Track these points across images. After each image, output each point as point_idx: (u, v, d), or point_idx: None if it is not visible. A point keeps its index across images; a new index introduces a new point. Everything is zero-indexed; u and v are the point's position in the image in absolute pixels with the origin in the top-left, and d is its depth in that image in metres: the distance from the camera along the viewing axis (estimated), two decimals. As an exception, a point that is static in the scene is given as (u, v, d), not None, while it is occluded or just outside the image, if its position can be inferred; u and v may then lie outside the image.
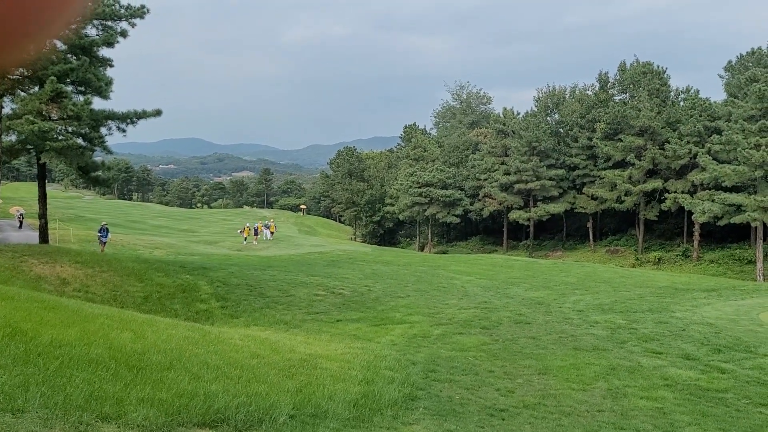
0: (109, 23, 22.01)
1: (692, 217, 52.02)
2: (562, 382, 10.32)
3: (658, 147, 57.03)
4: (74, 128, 21.74)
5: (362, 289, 21.40)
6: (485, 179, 70.25)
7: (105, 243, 29.03)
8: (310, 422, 6.92)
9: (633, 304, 19.45)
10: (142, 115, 22.16)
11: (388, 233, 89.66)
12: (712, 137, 50.37)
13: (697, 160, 52.17)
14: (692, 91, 61.75)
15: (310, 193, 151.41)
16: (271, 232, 47.03)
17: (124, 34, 22.07)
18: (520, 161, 65.19)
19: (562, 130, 70.93)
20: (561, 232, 69.84)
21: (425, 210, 72.48)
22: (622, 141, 58.28)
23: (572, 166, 66.33)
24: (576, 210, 64.94)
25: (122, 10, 21.85)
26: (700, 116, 55.48)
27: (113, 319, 10.12)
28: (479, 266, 32.93)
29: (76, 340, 7.63)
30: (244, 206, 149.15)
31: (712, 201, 48.55)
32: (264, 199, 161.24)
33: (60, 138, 21.07)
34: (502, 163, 69.07)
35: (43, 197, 23.62)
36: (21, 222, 40.39)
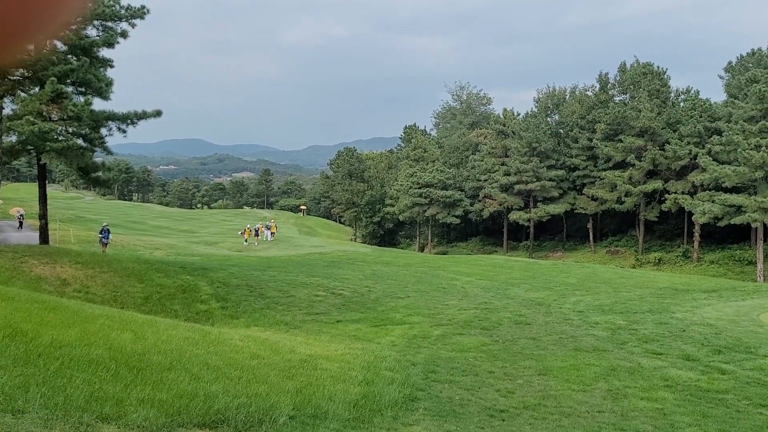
0: (110, 24, 22.03)
1: (692, 218, 52.01)
2: (563, 383, 10.32)
3: (658, 148, 57.05)
4: (74, 129, 21.75)
5: (362, 289, 21.39)
6: (485, 180, 70.24)
7: (107, 244, 28.94)
8: (310, 423, 6.92)
9: (633, 305, 19.44)
10: (143, 115, 22.17)
11: (388, 234, 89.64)
12: (712, 138, 50.38)
13: (697, 160, 52.17)
14: (692, 91, 61.77)
15: (310, 194, 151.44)
16: (272, 233, 47.04)
17: (124, 34, 22.08)
18: (520, 162, 65.19)
19: (562, 131, 70.93)
20: (561, 232, 69.83)
21: (425, 211, 72.48)
22: (622, 142, 58.30)
23: (572, 166, 66.32)
24: (576, 211, 64.94)
25: (122, 11, 21.87)
26: (701, 117, 55.49)
27: (113, 320, 10.12)
28: (479, 267, 32.91)
29: (76, 341, 7.63)
30: (244, 207, 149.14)
31: (713, 202, 48.55)
32: (264, 200, 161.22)
33: (60, 139, 21.08)
34: (502, 164, 69.07)
35: (43, 198, 23.63)
36: (21, 222, 40.40)
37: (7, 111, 21.32)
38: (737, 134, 46.01)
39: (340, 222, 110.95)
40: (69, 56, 21.38)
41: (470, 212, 72.81)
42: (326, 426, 6.94)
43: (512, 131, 69.36)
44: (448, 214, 71.65)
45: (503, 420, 8.23)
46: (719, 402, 9.44)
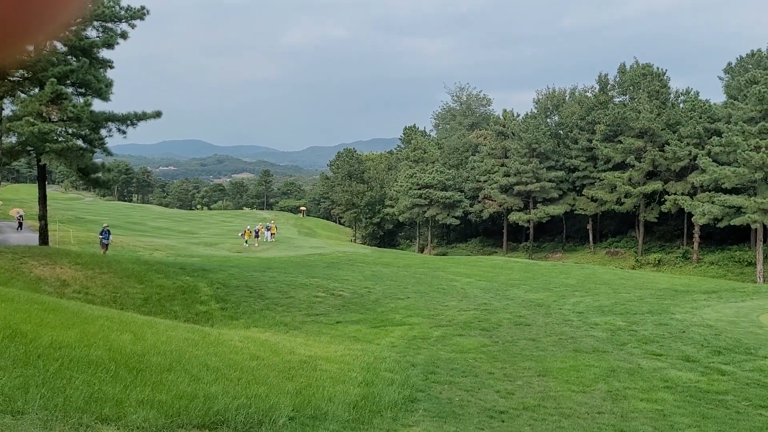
0: (109, 25, 22.03)
1: (692, 219, 52.03)
2: (562, 384, 10.32)
3: (658, 149, 57.08)
4: (74, 130, 21.75)
5: (362, 290, 21.38)
6: (485, 181, 70.26)
7: (107, 245, 28.88)
8: (309, 424, 6.92)
9: (633, 306, 19.43)
10: (142, 116, 22.17)
11: (387, 235, 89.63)
12: (712, 139, 50.40)
13: (697, 161, 52.18)
14: (692, 92, 61.81)
15: (309, 195, 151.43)
16: (272, 234, 47.04)
17: (124, 35, 22.08)
18: (519, 163, 65.21)
19: (561, 132, 70.96)
20: (561, 233, 69.84)
21: (425, 212, 72.50)
22: (621, 143, 58.33)
23: (572, 167, 66.34)
24: (576, 212, 64.96)
25: (122, 12, 21.87)
26: (700, 118, 55.52)
27: (113, 321, 10.11)
28: (479, 268, 32.90)
29: (75, 342, 7.63)
30: (244, 208, 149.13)
31: (712, 203, 48.58)
32: (264, 201, 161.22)
33: (60, 140, 21.08)
34: (502, 165, 69.08)
35: (43, 199, 23.63)
36: (20, 223, 40.40)
37: (6, 112, 21.32)
38: (737, 135, 46.04)
39: (340, 223, 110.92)
40: (69, 57, 21.39)
41: (470, 213, 72.82)
42: (326, 427, 6.93)
43: (512, 132, 69.38)
44: (448, 215, 71.67)
45: (503, 421, 8.23)
46: (719, 403, 9.44)
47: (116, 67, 23.42)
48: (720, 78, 65.23)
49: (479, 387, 9.96)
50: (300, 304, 18.57)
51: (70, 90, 20.97)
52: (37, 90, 20.69)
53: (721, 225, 48.87)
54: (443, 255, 64.86)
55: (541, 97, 79.68)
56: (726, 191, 48.55)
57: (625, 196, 58.31)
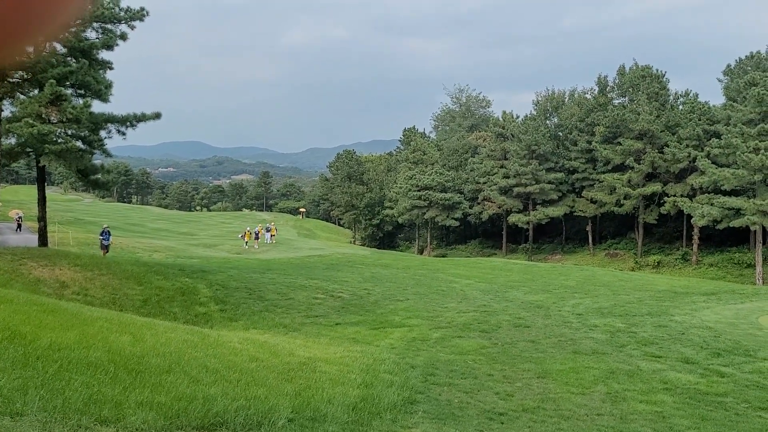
0: (109, 26, 22.03)
1: (691, 221, 52.06)
2: (562, 386, 10.32)
3: (657, 150, 57.11)
4: (73, 131, 21.75)
5: (361, 292, 21.38)
6: (484, 182, 70.29)
7: (108, 246, 28.85)
8: (308, 426, 6.91)
9: (632, 308, 19.44)
10: (142, 118, 22.16)
11: (387, 236, 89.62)
12: (711, 141, 50.46)
13: (696, 163, 52.24)
14: (691, 94, 61.91)
15: (309, 196, 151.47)
16: (272, 235, 47.06)
17: (123, 36, 22.09)
18: (519, 164, 65.24)
19: (561, 134, 71.00)
20: (560, 235, 69.86)
21: (424, 213, 72.51)
22: (621, 144, 58.37)
23: (571, 169, 66.37)
24: (575, 213, 64.98)
25: (122, 13, 21.88)
26: (699, 120, 55.58)
27: (112, 323, 10.11)
28: (478, 270, 32.90)
29: (74, 344, 7.63)
30: (243, 209, 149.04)
31: (712, 205, 48.61)
32: (263, 202, 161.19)
33: (59, 141, 21.08)
34: (502, 167, 69.11)
35: (42, 200, 23.62)
36: (20, 225, 40.38)
37: (6, 113, 21.32)
38: (736, 137, 46.09)
39: (339, 224, 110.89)
40: (68, 58, 21.39)
41: (469, 215, 72.84)
42: (325, 429, 6.93)
43: (511, 134, 69.42)
44: (447, 216, 71.68)
45: (502, 423, 8.23)
46: (718, 405, 9.44)
47: (116, 68, 23.44)
48: (719, 80, 65.34)
49: (478, 389, 9.95)
50: (299, 305, 18.56)
51: (69, 91, 20.98)
52: (36, 91, 20.69)
53: (720, 227, 48.89)
54: (443, 257, 64.83)
55: (540, 99, 79.72)
56: (725, 193, 48.59)
57: (625, 198, 58.34)
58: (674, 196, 55.05)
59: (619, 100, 66.90)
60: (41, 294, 15.09)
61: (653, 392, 10.03)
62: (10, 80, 20.16)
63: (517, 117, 72.89)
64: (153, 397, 6.32)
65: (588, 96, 72.90)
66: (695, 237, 53.89)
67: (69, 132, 21.70)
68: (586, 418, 8.61)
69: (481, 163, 72.14)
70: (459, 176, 75.09)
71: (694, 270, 52.47)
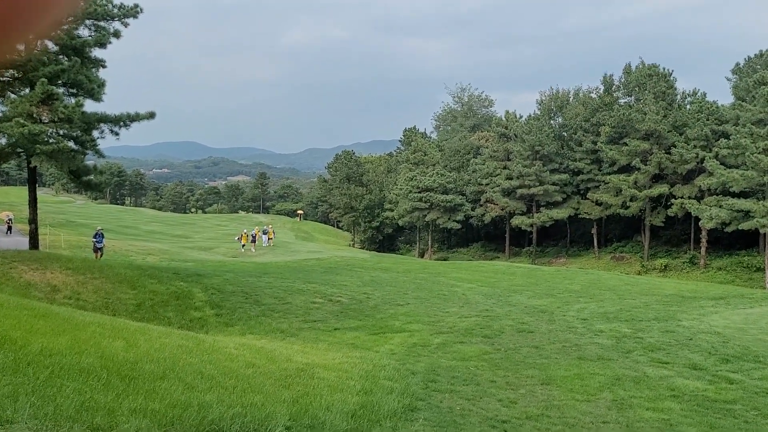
0: (102, 23, 22.05)
1: (699, 224, 52.06)
2: (566, 393, 10.31)
3: (664, 151, 57.14)
4: (65, 131, 21.76)
5: (361, 296, 21.38)
6: (487, 184, 70.33)
7: (101, 249, 28.85)
8: (306, 434, 6.91)
9: (639, 313, 19.43)
10: (136, 117, 22.18)
11: (387, 239, 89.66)
12: (719, 141, 50.49)
13: (704, 164, 52.26)
14: (699, 94, 61.96)
15: (307, 198, 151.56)
16: (269, 238, 47.09)
17: (117, 34, 22.10)
18: (522, 165, 65.28)
19: (565, 134, 71.09)
20: (565, 238, 69.90)
21: (425, 215, 72.53)
22: (627, 145, 58.41)
23: (576, 170, 66.42)
24: (580, 216, 65.01)
25: (115, 10, 21.89)
26: (707, 120, 55.62)
27: (105, 328, 10.11)
28: (481, 273, 32.90)
29: (66, 349, 7.63)
30: (240, 211, 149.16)
31: (720, 207, 48.63)
32: (260, 204, 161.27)
33: (51, 141, 21.09)
34: (504, 168, 69.16)
35: (33, 202, 23.62)
36: (10, 227, 40.37)
37: (-4, 113, 21.32)
38: (745, 137, 46.11)
39: (338, 227, 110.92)
40: (60, 56, 21.41)
41: (471, 217, 72.88)
42: (323, 437, 6.93)
43: (514, 134, 69.49)
44: (449, 218, 71.71)
45: (505, 431, 8.22)
46: (727, 412, 9.43)
47: (109, 66, 23.44)
48: (728, 79, 65.45)
49: (481, 395, 9.95)
50: (297, 310, 18.56)
51: (61, 90, 20.98)
52: (27, 90, 20.71)
53: (728, 229, 48.88)
54: (444, 260, 64.83)
55: (544, 98, 79.84)
56: (734, 195, 48.58)
57: (631, 200, 58.36)
58: (682, 197, 55.07)
59: (625, 100, 66.99)
60: (32, 298, 15.08)
61: (660, 399, 10.03)
62: (1, 79, 20.19)
63: (521, 117, 72.99)
64: (147, 404, 6.32)
65: (593, 95, 72.98)
66: (703, 240, 53.88)
67: (61, 132, 21.71)
68: (592, 426, 8.61)
69: (483, 164, 72.17)
70: (461, 177, 75.14)
71: (702, 274, 52.46)
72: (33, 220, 23.83)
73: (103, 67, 23.14)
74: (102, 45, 22.00)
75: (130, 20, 22.18)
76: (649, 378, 11.39)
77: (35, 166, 22.90)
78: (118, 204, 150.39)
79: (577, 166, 65.80)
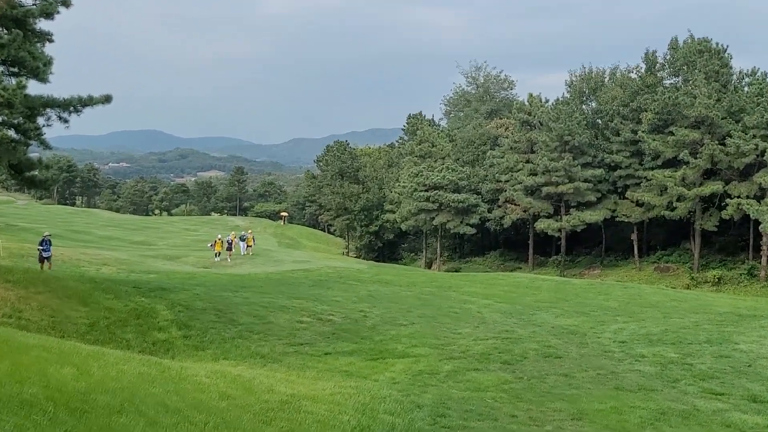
0: (49, -11, 22.05)
1: (760, 228, 52.04)
2: (601, 430, 10.31)
3: (717, 142, 57.13)
4: (4, 118, 21.75)
5: (356, 314, 21.40)
6: (506, 181, 70.35)
7: (48, 259, 28.85)
8: (291, 478, 6.91)
9: (687, 334, 19.44)
10: (89, 101, 22.16)
11: (387, 246, 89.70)
12: (783, 130, 50.49)
13: (765, 158, 52.25)
14: (759, 74, 61.94)
15: (292, 198, 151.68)
16: (248, 246, 47.08)
17: (66, 3, 22.08)
18: (549, 159, 65.31)
19: (600, 121, 71.13)
20: (599, 245, 69.89)
21: (433, 218, 72.55)
22: (673, 134, 58.41)
23: (613, 164, 66.43)
24: (617, 219, 64.99)
25: (64, -27, 21.89)
26: (769, 104, 55.61)
27: (51, 352, 10.10)
28: (499, 287, 32.93)
29: (5, 377, 7.62)
30: (212, 213, 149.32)
31: (784, 208, 48.62)
32: (236, 205, 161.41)
33: (-13, 130, 21.07)
34: (528, 162, 69.18)
35: (-34, 202, 23.60)
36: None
37: None
38: (814, 126, 46.11)
39: (330, 232, 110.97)
40: (-1, 29, 21.41)
41: (488, 220, 72.88)
42: (311, 482, 6.93)
43: (539, 121, 69.53)
44: (462, 222, 71.73)
45: (528, 475, 8.22)
46: (793, 453, 9.43)
47: (57, 41, 23.43)
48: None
49: (499, 433, 9.95)
50: (280, 331, 18.57)
51: (0, 69, 20.98)
52: (-41, 69, 20.70)
53: (794, 235, 48.89)
54: (456, 271, 64.83)
55: (574, 79, 79.90)
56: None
57: (678, 200, 58.34)
58: (738, 197, 55.03)
59: (671, 81, 67.01)
60: (-35, 317, 15.06)
61: (713, 437, 10.02)
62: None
63: (547, 101, 73.00)
64: (101, 443, 6.31)
65: (633, 75, 73.01)
66: (764, 248, 53.84)
67: (-1, 119, 21.71)
68: (631, 470, 8.61)
69: (502, 157, 72.20)
70: (475, 173, 75.18)
71: (762, 288, 52.44)
72: (-34, 224, 23.81)
73: (50, 41, 23.12)
74: (49, 15, 21.98)
75: (82, -14, 22.18)
76: (700, 412, 11.38)
77: (-31, 160, 22.89)
78: (67, 204, 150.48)
79: (614, 160, 65.81)
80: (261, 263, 41.63)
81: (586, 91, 77.52)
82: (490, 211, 72.49)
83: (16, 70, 21.71)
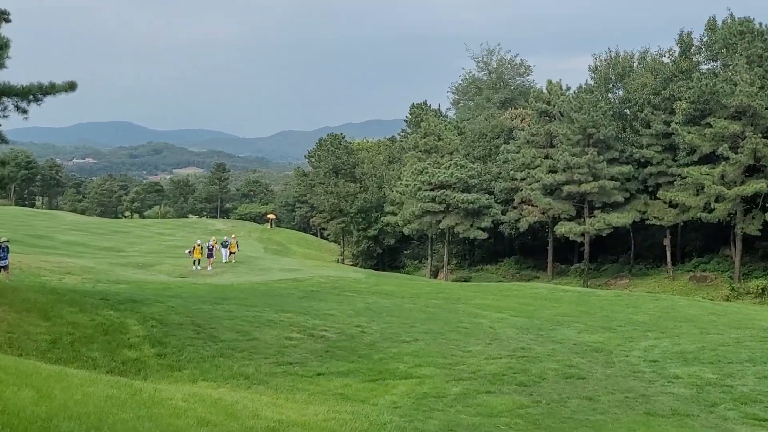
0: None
1: (809, 232, 52.05)
2: (630, 461, 10.30)
3: (761, 135, 57.12)
4: (-45, 108, 21.77)
5: (352, 330, 21.39)
6: (523, 179, 70.37)
7: (6, 267, 28.85)
8: None
9: (727, 352, 19.44)
10: (50, 89, 22.18)
11: (388, 253, 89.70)
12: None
13: (814, 152, 52.25)
14: (808, 57, 61.93)
15: (280, 198, 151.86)
16: (231, 252, 47.09)
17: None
18: (570, 154, 65.32)
19: (628, 112, 71.12)
20: (627, 252, 69.88)
21: (440, 221, 72.53)
22: (711, 126, 58.40)
23: (643, 160, 66.42)
24: (648, 222, 64.96)
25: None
26: (819, 93, 55.65)
27: (8, 372, 10.10)
28: (514, 299, 32.92)
29: (-44, 401, 7.61)
30: (190, 215, 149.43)
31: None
32: (217, 206, 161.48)
33: (-65, 121, 21.10)
34: (546, 157, 69.22)
35: None
36: None
37: None
38: None
39: (323, 237, 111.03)
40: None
41: (502, 223, 72.90)
42: None
43: (560, 112, 69.58)
44: (472, 225, 71.70)
45: None
46: None
47: (15, 21, 23.45)
48: None
49: (514, 464, 9.95)
50: (267, 348, 18.56)
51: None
52: None
53: None
54: (465, 281, 64.81)
55: (600, 64, 80.00)
56: None
57: (716, 200, 58.30)
58: (785, 197, 55.05)
59: (709, 66, 67.03)
60: None
61: (756, 469, 10.03)
62: None
63: (568, 88, 73.11)
64: (64, 475, 6.31)
65: (665, 60, 73.06)
66: (814, 254, 53.90)
67: (-51, 109, 21.72)
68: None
69: (518, 152, 72.23)
70: (488, 170, 75.20)
71: (812, 300, 52.45)
72: None
73: (7, 21, 23.14)
74: (4, -9, 22.01)
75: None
76: (742, 440, 11.37)
77: None
78: (26, 206, 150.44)
79: (644, 155, 65.79)
80: (245, 272, 41.61)
81: (613, 78, 77.54)
82: (504, 213, 72.48)
83: (-34, 53, 21.73)
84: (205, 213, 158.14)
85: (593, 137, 65.74)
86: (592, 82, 76.11)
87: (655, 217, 64.12)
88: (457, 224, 71.98)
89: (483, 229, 71.46)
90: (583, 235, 66.41)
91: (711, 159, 59.99)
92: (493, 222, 71.92)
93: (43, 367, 12.16)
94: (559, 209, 66.97)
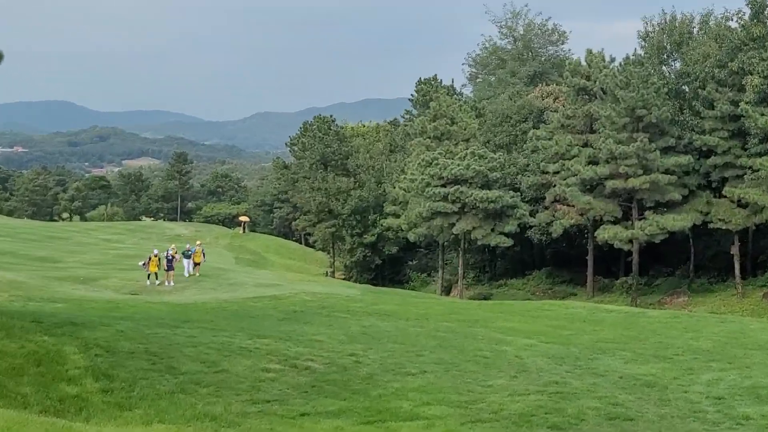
0: None
1: None
2: None
3: None
4: None
5: (345, 360, 21.38)
6: (556, 172, 70.32)
7: None
8: None
9: (810, 388, 19.44)
10: (-30, 61, 22.21)
11: (389, 264, 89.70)
12: None
13: None
14: None
15: (255, 196, 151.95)
16: (195, 263, 47.09)
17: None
18: (615, 141, 65.27)
19: (687, 89, 71.08)
20: (686, 263, 69.89)
21: (453, 225, 72.46)
22: (790, 107, 58.44)
23: (705, 149, 66.36)
24: (711, 225, 64.88)
25: None
26: None
27: None
28: (546, 321, 32.91)
29: None
30: (144, 218, 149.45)
31: None
32: (177, 206, 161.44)
33: None
34: (585, 145, 69.20)
35: None
36: None
37: None
38: None
39: (308, 244, 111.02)
40: None
41: (530, 227, 72.86)
42: None
43: (602, 89, 69.58)
44: (493, 230, 71.62)
45: None
46: None
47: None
48: None
49: None
50: (239, 383, 18.55)
51: None
52: None
53: None
54: (485, 299, 64.82)
55: (651, 30, 79.88)
56: None
57: (797, 199, 58.36)
58: None
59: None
60: None
61: None
62: None
63: (612, 60, 73.05)
64: None
65: (733, 24, 73.00)
66: None
67: None
68: None
69: (550, 139, 72.20)
70: (513, 161, 75.14)
71: None
72: None
73: None
74: None
75: None
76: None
77: None
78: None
79: (707, 143, 65.68)
80: (212, 288, 41.61)
81: (668, 47, 77.46)
82: (533, 214, 72.42)
83: None
84: (162, 215, 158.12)
85: (643, 120, 65.65)
86: (641, 53, 76.01)
87: (720, 220, 63.96)
88: (474, 228, 71.88)
89: (507, 235, 71.34)
90: (630, 241, 66.29)
91: (790, 147, 60.01)
92: (519, 226, 71.75)
93: (-40, 405, 12.17)
94: (602, 210, 66.88)
